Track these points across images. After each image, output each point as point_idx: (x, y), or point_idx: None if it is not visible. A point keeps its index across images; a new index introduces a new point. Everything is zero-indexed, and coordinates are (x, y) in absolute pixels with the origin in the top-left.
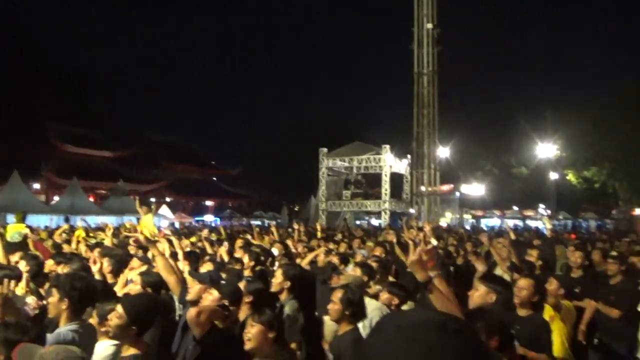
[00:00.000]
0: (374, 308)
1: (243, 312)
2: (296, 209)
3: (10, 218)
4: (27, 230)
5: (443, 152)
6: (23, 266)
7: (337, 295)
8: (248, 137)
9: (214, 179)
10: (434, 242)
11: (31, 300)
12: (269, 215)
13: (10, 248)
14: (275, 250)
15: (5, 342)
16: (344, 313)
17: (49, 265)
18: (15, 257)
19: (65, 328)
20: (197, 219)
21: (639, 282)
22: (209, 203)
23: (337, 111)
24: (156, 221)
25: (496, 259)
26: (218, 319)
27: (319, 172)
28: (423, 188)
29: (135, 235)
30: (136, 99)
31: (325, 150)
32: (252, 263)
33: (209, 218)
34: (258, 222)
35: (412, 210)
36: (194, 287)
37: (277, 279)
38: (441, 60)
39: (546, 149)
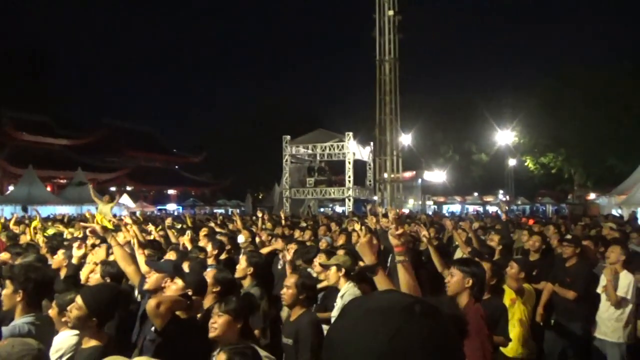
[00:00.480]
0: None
1: (208, 301)
2: (260, 197)
3: None
4: None
5: (405, 139)
6: None
7: (291, 280)
8: (210, 124)
9: (176, 167)
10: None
11: None
12: (233, 203)
13: None
14: (242, 238)
15: None
16: (298, 297)
17: (3, 257)
18: None
19: (20, 320)
20: (159, 207)
21: (592, 265)
22: (171, 192)
23: (300, 98)
24: (117, 210)
25: (459, 244)
26: (180, 309)
27: (282, 159)
28: (386, 175)
29: (92, 225)
30: (92, 83)
31: (288, 137)
32: (216, 252)
33: (171, 207)
34: (222, 210)
35: (375, 198)
36: (151, 277)
37: (241, 265)
38: (403, 47)
39: (505, 136)
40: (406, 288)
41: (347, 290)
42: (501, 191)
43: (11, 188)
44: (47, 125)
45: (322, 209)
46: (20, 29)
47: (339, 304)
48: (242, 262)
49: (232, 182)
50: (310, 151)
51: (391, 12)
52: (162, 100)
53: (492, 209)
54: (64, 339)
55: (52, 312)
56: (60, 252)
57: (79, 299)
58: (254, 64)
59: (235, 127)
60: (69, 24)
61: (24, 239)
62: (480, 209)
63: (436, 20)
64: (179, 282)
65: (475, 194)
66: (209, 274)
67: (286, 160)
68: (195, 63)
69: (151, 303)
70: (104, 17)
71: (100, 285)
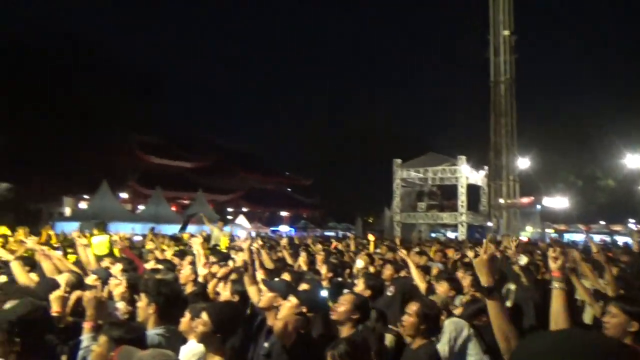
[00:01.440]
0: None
1: (346, 330)
2: (370, 220)
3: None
4: (116, 237)
5: (522, 162)
6: (118, 270)
7: (413, 308)
8: (320, 147)
9: (288, 189)
10: (524, 258)
11: (121, 305)
12: (343, 226)
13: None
14: (360, 262)
15: (114, 340)
16: (418, 327)
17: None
18: (105, 263)
19: (152, 332)
20: (272, 229)
21: None
22: (283, 213)
23: (410, 120)
24: (233, 231)
25: (589, 278)
26: (302, 327)
27: (392, 183)
28: (502, 200)
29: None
30: (205, 105)
31: (399, 161)
32: (330, 274)
33: (284, 229)
34: (332, 233)
35: (490, 224)
36: (265, 295)
37: (359, 287)
38: (519, 68)
39: (635, 160)
40: (559, 317)
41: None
42: (631, 220)
43: (141, 207)
44: (168, 147)
45: (433, 234)
46: (138, 54)
47: (444, 339)
48: (360, 284)
49: (341, 205)
50: (421, 175)
51: (507, 32)
52: (272, 122)
53: (621, 239)
54: (193, 348)
55: (184, 321)
56: (188, 267)
57: (204, 315)
58: (365, 86)
59: (345, 150)
60: (184, 50)
61: (152, 256)
62: (608, 238)
63: (554, 39)
64: (293, 300)
65: (602, 222)
66: (347, 299)
67: (397, 184)
68: (304, 87)
69: (278, 324)
70: (218, 45)
71: (224, 302)
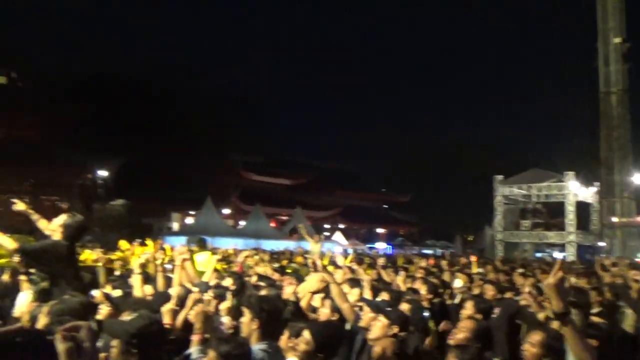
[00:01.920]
0: None
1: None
2: (469, 238)
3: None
4: (218, 255)
5: (638, 178)
6: (229, 284)
7: (537, 338)
8: (418, 163)
9: (385, 206)
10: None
11: (227, 320)
12: (441, 244)
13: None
14: (458, 282)
15: (222, 356)
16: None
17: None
18: (207, 277)
19: (256, 347)
20: (369, 246)
21: None
22: (380, 230)
23: (511, 135)
24: (330, 247)
25: None
26: (396, 349)
27: (492, 200)
28: (615, 219)
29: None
30: (302, 124)
31: (500, 177)
32: (430, 296)
33: (380, 246)
34: (430, 251)
35: (601, 244)
36: (366, 314)
37: (467, 311)
38: (631, 77)
39: None
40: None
41: None
42: None
43: (242, 223)
44: (267, 166)
45: (538, 254)
46: (238, 78)
47: None
48: (469, 308)
49: (439, 222)
50: (524, 191)
51: (618, 40)
52: (368, 140)
53: None
54: None
55: (283, 339)
56: (291, 287)
57: (307, 334)
58: (463, 100)
59: (442, 166)
60: (281, 71)
61: (253, 272)
62: None
63: None
64: (383, 320)
65: None
66: (468, 326)
67: (498, 201)
68: (398, 102)
69: (377, 350)
70: (314, 69)
71: (327, 322)
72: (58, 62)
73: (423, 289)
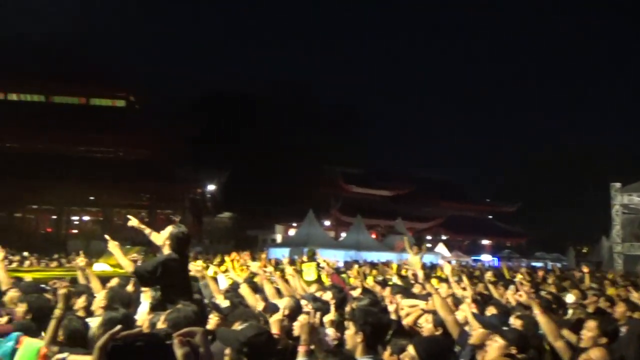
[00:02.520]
0: None
1: None
2: (584, 250)
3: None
4: (324, 264)
5: None
6: (329, 297)
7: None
8: (526, 171)
9: (490, 216)
10: None
11: (331, 332)
12: (553, 256)
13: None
14: (571, 297)
15: None
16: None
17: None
18: (312, 289)
19: None
20: (474, 258)
21: None
22: (485, 242)
23: (632, 138)
24: (433, 259)
25: None
26: None
27: (610, 209)
28: None
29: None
30: (400, 135)
31: (618, 185)
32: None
33: (486, 258)
34: (540, 264)
35: None
36: (477, 331)
37: (590, 333)
38: None
39: None
40: None
41: None
42: None
43: (343, 235)
44: (367, 177)
45: None
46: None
47: None
48: (592, 328)
49: (550, 233)
50: None
51: None
52: (470, 149)
53: None
54: None
55: (385, 354)
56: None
57: (411, 349)
58: (570, 103)
59: (550, 173)
60: (380, 82)
61: (354, 282)
62: None
63: None
64: (499, 340)
65: None
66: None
67: (616, 211)
68: (504, 110)
69: None
70: (409, 81)
71: (432, 337)
72: (170, 83)
73: (534, 304)
